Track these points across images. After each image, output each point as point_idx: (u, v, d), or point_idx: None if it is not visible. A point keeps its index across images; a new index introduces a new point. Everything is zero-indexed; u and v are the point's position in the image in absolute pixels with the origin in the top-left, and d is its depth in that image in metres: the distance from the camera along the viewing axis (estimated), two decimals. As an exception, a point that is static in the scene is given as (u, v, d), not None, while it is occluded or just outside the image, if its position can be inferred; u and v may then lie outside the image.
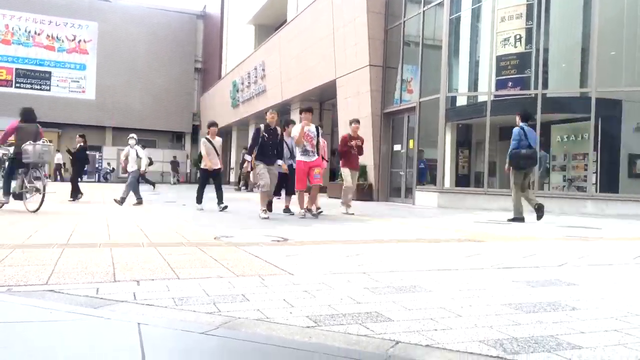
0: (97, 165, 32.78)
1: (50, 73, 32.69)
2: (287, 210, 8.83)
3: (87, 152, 12.76)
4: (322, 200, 14.32)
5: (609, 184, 11.03)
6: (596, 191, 10.76)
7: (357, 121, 9.55)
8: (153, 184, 19.72)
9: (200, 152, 10.30)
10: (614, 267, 3.73)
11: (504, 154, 13.88)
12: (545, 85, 11.23)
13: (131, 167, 10.56)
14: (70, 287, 2.62)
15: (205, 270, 3.15)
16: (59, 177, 28.72)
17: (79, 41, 33.38)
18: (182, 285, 2.72)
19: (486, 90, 11.84)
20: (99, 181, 31.41)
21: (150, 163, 13.73)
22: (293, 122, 9.06)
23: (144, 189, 13.28)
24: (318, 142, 8.22)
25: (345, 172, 9.30)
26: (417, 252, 4.25)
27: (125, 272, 3.02)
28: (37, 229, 5.17)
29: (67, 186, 12.55)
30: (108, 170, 32.34)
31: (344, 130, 15.82)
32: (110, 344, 1.85)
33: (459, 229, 6.60)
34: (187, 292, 2.57)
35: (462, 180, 13.50)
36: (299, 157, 8.17)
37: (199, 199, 9.34)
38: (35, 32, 32.48)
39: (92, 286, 2.65)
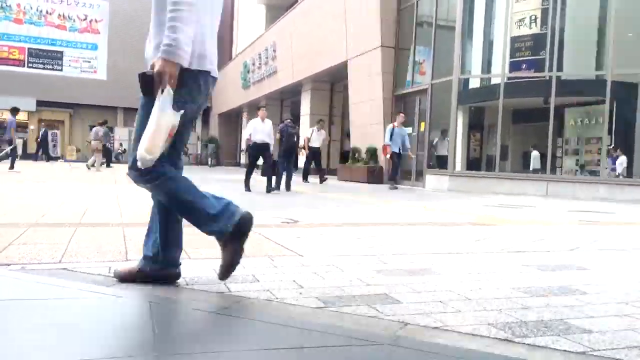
0: (108, 146, 32.93)
1: (62, 53, 32.76)
2: None
3: None
4: (333, 182, 14.31)
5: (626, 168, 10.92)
6: (609, 175, 10.65)
7: None
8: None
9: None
10: (626, 252, 3.70)
11: (517, 136, 13.79)
12: (560, 67, 11.06)
13: None
14: (82, 265, 2.66)
15: (216, 251, 3.14)
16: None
17: (91, 21, 33.35)
18: (194, 265, 2.75)
19: (499, 72, 11.69)
20: (110, 161, 31.60)
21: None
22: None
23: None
24: None
25: None
26: (427, 236, 4.25)
27: (137, 251, 3.04)
28: (50, 208, 5.23)
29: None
30: (120, 151, 32.52)
31: (355, 111, 15.75)
32: (122, 322, 1.87)
33: (470, 212, 6.58)
34: (198, 272, 2.60)
35: (474, 164, 13.42)
36: None
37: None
38: (47, 12, 32.48)
39: (104, 265, 2.68)
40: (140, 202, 6.38)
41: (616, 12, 10.54)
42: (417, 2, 13.64)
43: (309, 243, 3.58)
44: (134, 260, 2.82)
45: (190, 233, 3.84)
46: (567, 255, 3.46)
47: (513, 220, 5.69)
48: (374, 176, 14.07)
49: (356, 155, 15.19)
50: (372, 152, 14.41)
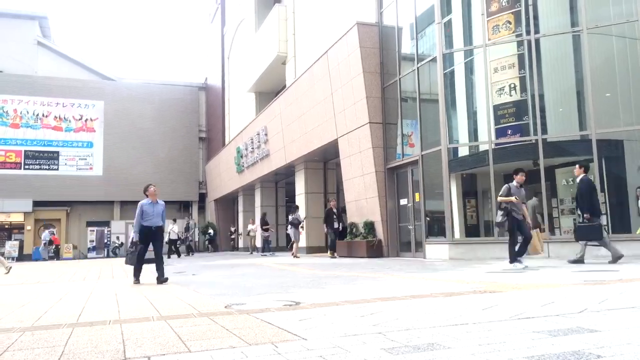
0: (105, 240, 32.81)
1: (58, 153, 33.39)
2: None
3: None
4: (327, 260, 14.15)
5: (620, 224, 10.91)
6: (608, 233, 10.62)
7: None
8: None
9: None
10: (636, 310, 3.62)
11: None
12: (544, 130, 11.34)
13: None
14: (80, 368, 2.57)
15: (216, 341, 3.08)
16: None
17: (86, 120, 34.30)
18: (194, 359, 2.66)
19: (486, 140, 11.96)
20: (107, 256, 31.34)
21: None
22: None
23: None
24: None
25: None
26: (432, 308, 4.16)
27: (135, 349, 2.96)
28: (46, 309, 5.12)
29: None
30: (117, 245, 32.33)
31: (349, 187, 15.92)
32: None
33: (473, 280, 6.48)
34: (200, 365, 2.51)
35: (472, 231, 13.38)
36: None
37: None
38: (43, 115, 33.46)
39: (102, 366, 2.59)
40: (138, 297, 6.26)
41: (591, 74, 10.99)
42: (399, 79, 14.20)
43: (312, 325, 3.49)
44: (132, 358, 2.73)
45: (189, 325, 3.75)
46: (577, 318, 3.38)
47: (518, 285, 5.59)
48: (374, 250, 13.96)
49: (354, 230, 15.15)
50: (370, 226, 14.39)
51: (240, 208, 29.31)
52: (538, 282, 5.85)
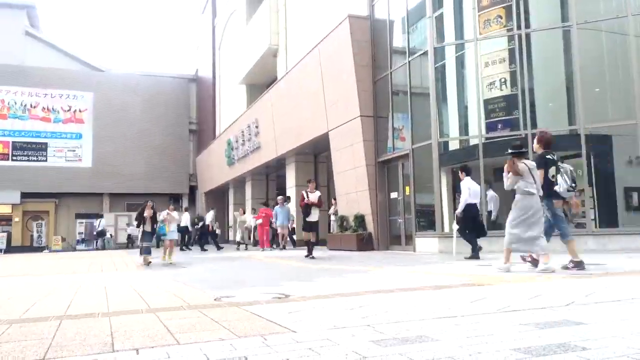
0: (94, 232, 32.58)
1: (46, 144, 33.06)
2: None
3: None
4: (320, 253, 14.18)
5: (608, 218, 11.01)
6: (596, 227, 10.73)
7: None
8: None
9: None
10: (621, 304, 3.67)
11: (500, 194, 13.94)
12: (534, 125, 11.40)
13: None
14: (67, 360, 2.56)
15: (205, 334, 3.08)
16: None
17: (75, 111, 33.96)
18: (183, 351, 2.66)
19: (477, 134, 12.01)
20: (96, 248, 31.13)
21: None
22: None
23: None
24: None
25: None
26: (421, 300, 4.18)
27: (124, 341, 2.95)
28: (34, 301, 5.09)
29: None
30: (107, 237, 32.11)
31: (339, 180, 15.93)
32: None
33: (462, 273, 6.53)
34: (188, 357, 2.51)
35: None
36: None
37: None
38: (31, 105, 33.08)
39: (90, 358, 2.59)
40: (128, 290, 6.24)
41: (581, 69, 11.05)
42: (391, 72, 14.19)
43: (301, 317, 3.50)
44: (121, 351, 2.72)
45: (178, 317, 3.74)
46: (564, 310, 3.42)
47: (506, 279, 5.64)
48: (364, 243, 13.99)
49: (344, 223, 15.18)
50: (360, 220, 14.42)
51: (231, 200, 29.25)
52: (526, 276, 5.90)
